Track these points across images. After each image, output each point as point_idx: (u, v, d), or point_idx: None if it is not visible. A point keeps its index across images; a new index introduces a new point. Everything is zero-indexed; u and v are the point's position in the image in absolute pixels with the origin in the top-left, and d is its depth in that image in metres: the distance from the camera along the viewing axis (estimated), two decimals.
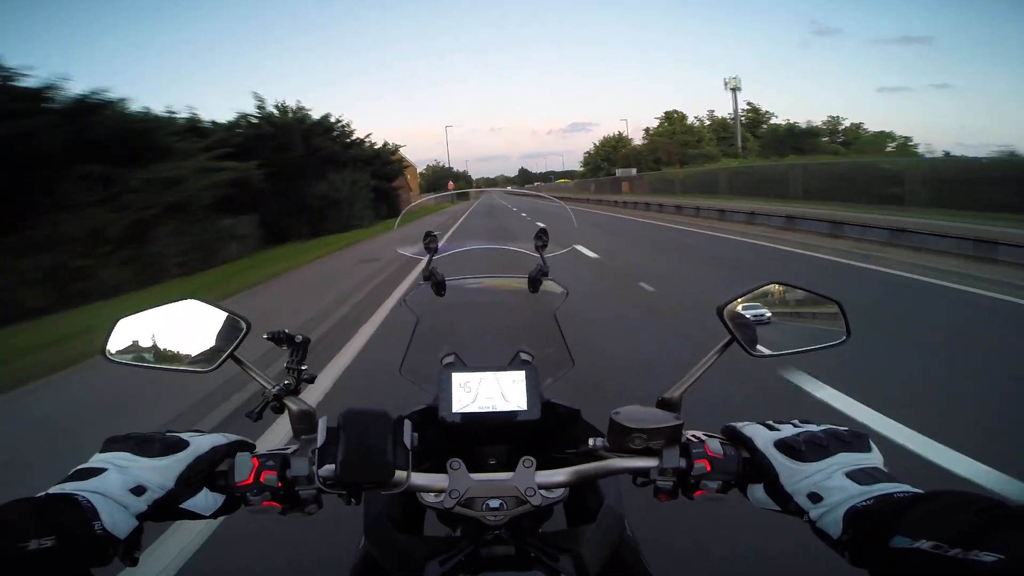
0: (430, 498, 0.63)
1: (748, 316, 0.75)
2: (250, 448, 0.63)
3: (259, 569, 1.87)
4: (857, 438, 0.56)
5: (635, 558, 0.75)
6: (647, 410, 0.63)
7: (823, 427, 0.59)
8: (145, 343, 0.73)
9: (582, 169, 61.67)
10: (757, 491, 0.59)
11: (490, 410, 0.77)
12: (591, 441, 0.66)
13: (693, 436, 0.64)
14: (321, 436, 0.58)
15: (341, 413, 0.56)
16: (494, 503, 0.62)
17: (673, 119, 57.42)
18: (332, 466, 0.56)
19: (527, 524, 0.69)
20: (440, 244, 1.03)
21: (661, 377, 0.79)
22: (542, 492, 0.63)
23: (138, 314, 0.73)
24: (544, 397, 0.81)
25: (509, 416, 0.77)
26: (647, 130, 58.11)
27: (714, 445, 0.62)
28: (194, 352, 0.73)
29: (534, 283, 0.96)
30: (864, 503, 0.48)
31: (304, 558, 1.87)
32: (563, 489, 0.65)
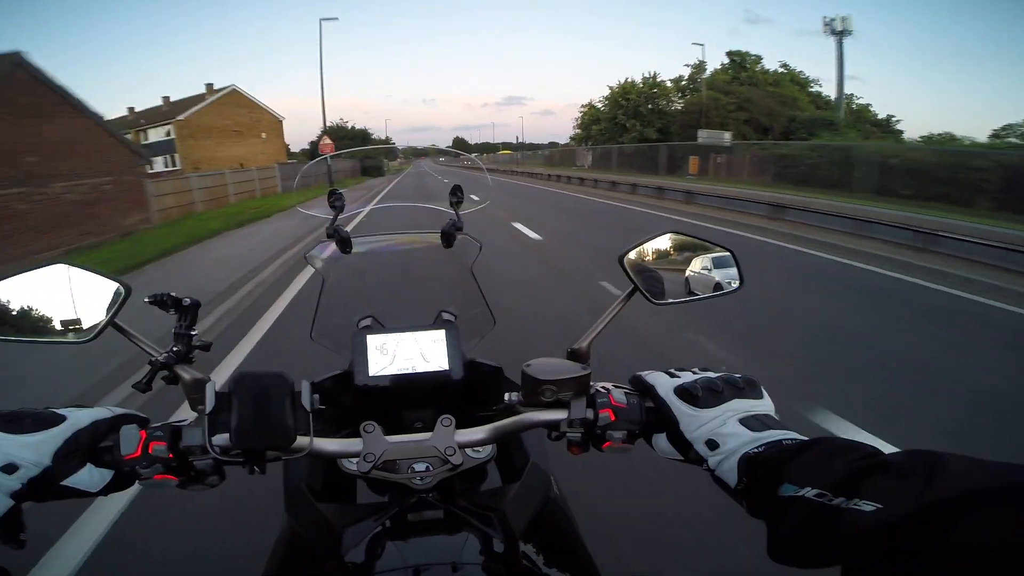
0: (350, 465, 0.61)
1: (649, 265, 0.76)
2: (142, 422, 0.59)
3: (179, 547, 1.80)
4: (750, 384, 0.57)
5: (562, 514, 0.76)
6: (557, 362, 0.64)
7: (719, 374, 0.60)
8: (11, 314, 0.65)
9: (576, 132, 39.66)
10: (661, 440, 0.59)
11: (409, 372, 0.76)
12: (507, 396, 0.66)
13: (601, 387, 0.64)
14: (210, 402, 0.55)
15: (232, 377, 0.53)
16: (420, 466, 0.61)
17: (747, 62, 33.06)
18: (227, 435, 0.53)
19: (459, 487, 0.69)
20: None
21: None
22: (469, 452, 0.63)
23: (1, 282, 0.65)
24: (468, 357, 0.80)
25: (431, 377, 0.76)
26: (681, 80, 34.20)
27: (618, 395, 0.62)
28: (70, 321, 0.66)
29: (447, 238, 0.93)
30: (756, 450, 0.49)
31: (229, 534, 1.80)
32: (490, 448, 0.65)
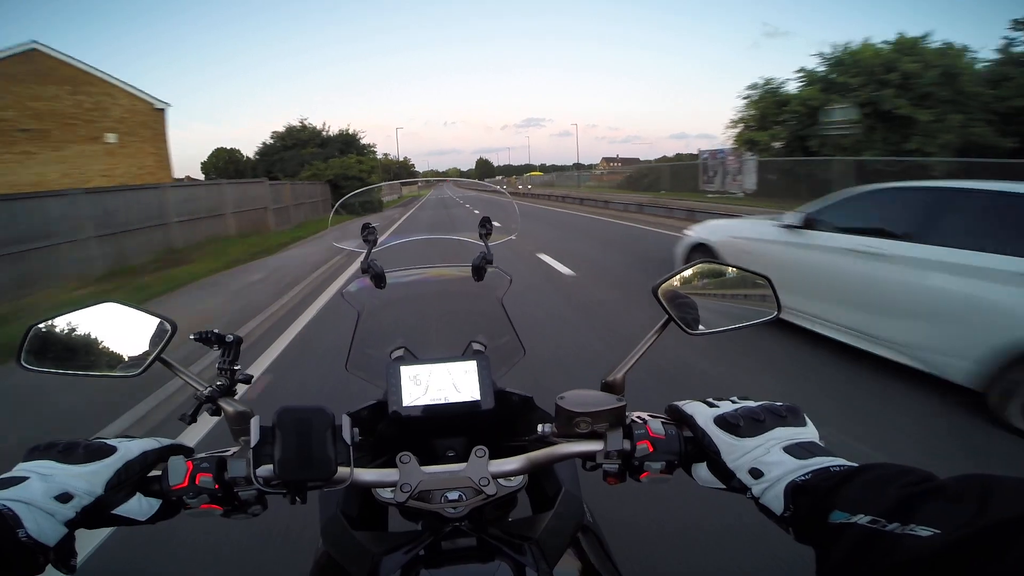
0: (385, 494, 0.62)
1: (683, 295, 0.75)
2: (187, 452, 0.61)
3: (217, 573, 1.81)
4: (792, 412, 0.57)
5: (596, 541, 0.75)
6: (591, 393, 0.64)
7: (760, 403, 0.59)
8: (65, 349, 0.69)
9: (741, 130, 20.09)
10: (701, 470, 0.59)
11: (442, 402, 0.76)
12: (540, 428, 0.66)
13: (638, 417, 0.64)
14: (255, 435, 0.56)
15: (276, 411, 0.55)
16: (452, 495, 0.62)
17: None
18: (271, 466, 0.55)
19: (490, 514, 0.69)
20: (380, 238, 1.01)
21: None
22: (500, 481, 0.63)
23: (54, 319, 0.68)
24: (498, 386, 0.80)
25: (462, 407, 0.76)
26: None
27: (656, 426, 0.62)
28: (119, 356, 0.69)
29: (478, 271, 0.95)
30: (802, 478, 0.48)
31: (265, 561, 1.83)
32: (521, 477, 0.65)
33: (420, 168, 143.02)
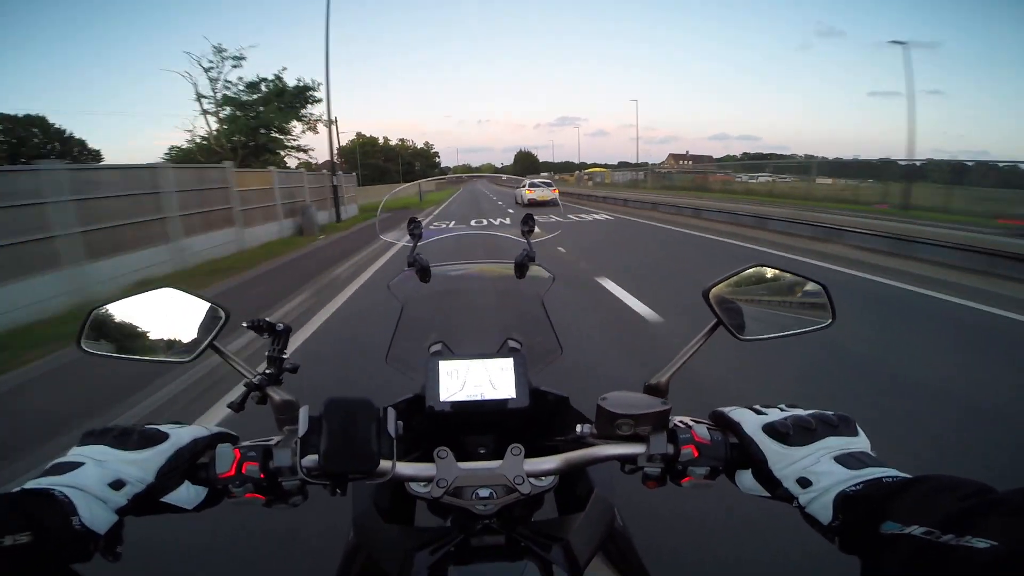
0: (419, 488, 0.62)
1: (734, 300, 0.74)
2: (233, 440, 0.62)
3: (248, 562, 1.85)
4: (844, 422, 0.56)
5: (626, 545, 0.74)
6: (634, 396, 0.63)
7: (810, 411, 0.58)
8: (121, 333, 0.71)
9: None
10: (745, 477, 0.58)
11: (478, 398, 0.76)
12: (579, 428, 0.65)
13: (681, 422, 0.63)
14: (303, 426, 0.56)
15: (324, 402, 0.55)
16: (484, 492, 0.62)
17: None
18: (315, 456, 0.55)
19: (518, 513, 0.69)
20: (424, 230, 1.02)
21: None
22: (532, 480, 0.62)
23: (113, 304, 0.71)
24: (533, 384, 0.80)
25: (498, 404, 0.76)
26: None
27: (701, 431, 0.61)
28: (173, 341, 0.71)
29: (520, 268, 0.95)
30: (854, 488, 0.47)
31: (294, 550, 1.85)
32: (553, 477, 0.64)
33: (448, 163, 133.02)
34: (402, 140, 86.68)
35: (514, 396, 0.76)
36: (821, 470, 0.51)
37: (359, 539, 0.70)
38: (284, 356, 0.72)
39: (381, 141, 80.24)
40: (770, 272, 0.77)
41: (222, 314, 0.71)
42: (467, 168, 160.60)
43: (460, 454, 0.65)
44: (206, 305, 0.71)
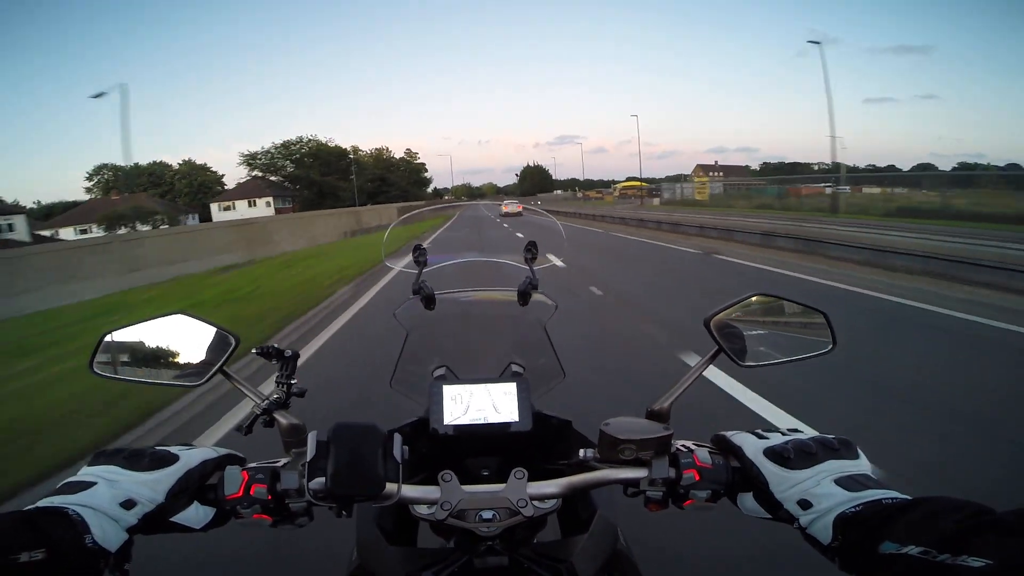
0: (423, 510, 0.63)
1: (735, 327, 0.75)
2: (240, 462, 0.63)
3: None
4: (845, 445, 0.57)
5: (629, 567, 0.74)
6: (637, 421, 0.64)
7: (811, 435, 0.59)
8: (132, 357, 0.73)
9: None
10: (747, 500, 0.60)
11: (481, 422, 0.77)
12: (582, 452, 0.66)
13: (683, 446, 0.64)
14: (311, 450, 0.58)
15: (331, 427, 0.56)
16: (487, 514, 0.62)
17: None
18: (322, 479, 0.56)
19: (521, 535, 0.69)
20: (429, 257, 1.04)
21: None
22: (535, 503, 0.63)
23: (125, 328, 0.72)
24: (535, 408, 0.81)
25: (501, 428, 0.77)
26: None
27: (703, 455, 0.62)
28: (183, 366, 0.73)
29: (524, 296, 0.97)
30: (853, 509, 0.49)
31: (299, 570, 1.85)
32: (556, 500, 0.65)
33: (445, 184, 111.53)
34: (354, 148, 64.46)
35: (517, 420, 0.77)
36: (821, 492, 0.52)
37: (362, 560, 0.71)
38: (292, 381, 0.74)
39: (350, 150, 63.12)
40: (770, 301, 0.78)
41: (232, 340, 0.72)
42: (467, 189, 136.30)
43: (464, 477, 0.66)
44: (214, 330, 0.73)
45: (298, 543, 1.90)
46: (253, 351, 0.73)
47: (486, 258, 1.22)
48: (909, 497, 0.48)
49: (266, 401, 0.70)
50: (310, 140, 57.88)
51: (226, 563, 1.89)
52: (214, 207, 54.21)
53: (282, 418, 0.68)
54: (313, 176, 59.51)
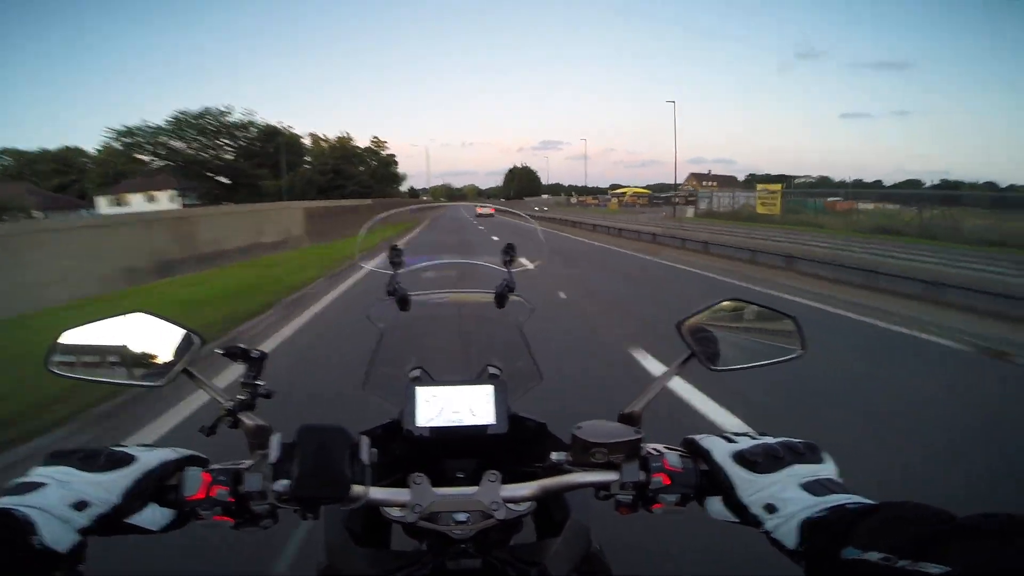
0: (394, 512, 0.63)
1: (707, 331, 0.76)
2: (203, 463, 0.62)
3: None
4: (810, 449, 0.57)
5: (602, 569, 0.75)
6: (609, 424, 0.64)
7: (779, 439, 0.60)
8: (91, 356, 0.70)
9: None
10: (715, 503, 0.60)
11: (456, 424, 0.76)
12: (554, 455, 0.66)
13: (654, 449, 0.64)
14: (275, 451, 0.57)
15: (297, 429, 0.56)
16: (460, 517, 0.62)
17: None
18: (287, 481, 0.56)
19: (495, 537, 0.69)
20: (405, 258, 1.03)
21: None
22: (510, 506, 0.63)
23: (83, 327, 0.70)
24: (512, 411, 0.80)
25: (476, 430, 0.77)
26: None
27: (673, 459, 0.63)
28: (145, 365, 0.71)
29: (500, 299, 0.96)
30: (818, 514, 0.49)
31: (269, 573, 1.82)
32: (530, 502, 0.65)
33: (420, 183, 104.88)
34: (314, 137, 51.97)
35: (493, 422, 0.77)
36: (787, 496, 0.52)
37: (331, 562, 0.70)
38: (259, 383, 0.72)
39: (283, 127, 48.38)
40: (742, 306, 0.79)
41: (195, 339, 0.71)
42: (446, 190, 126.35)
43: (439, 479, 0.65)
44: (178, 330, 0.72)
45: (269, 544, 1.87)
46: (217, 350, 0.72)
47: (463, 260, 1.21)
48: (873, 502, 0.48)
49: (230, 402, 0.69)
50: (223, 112, 42.47)
51: (193, 564, 1.85)
52: (102, 200, 43.08)
53: (247, 420, 0.67)
54: (219, 160, 43.62)
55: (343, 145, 53.20)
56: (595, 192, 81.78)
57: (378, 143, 57.06)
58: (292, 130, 51.93)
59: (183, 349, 0.70)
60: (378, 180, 53.53)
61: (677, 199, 43.27)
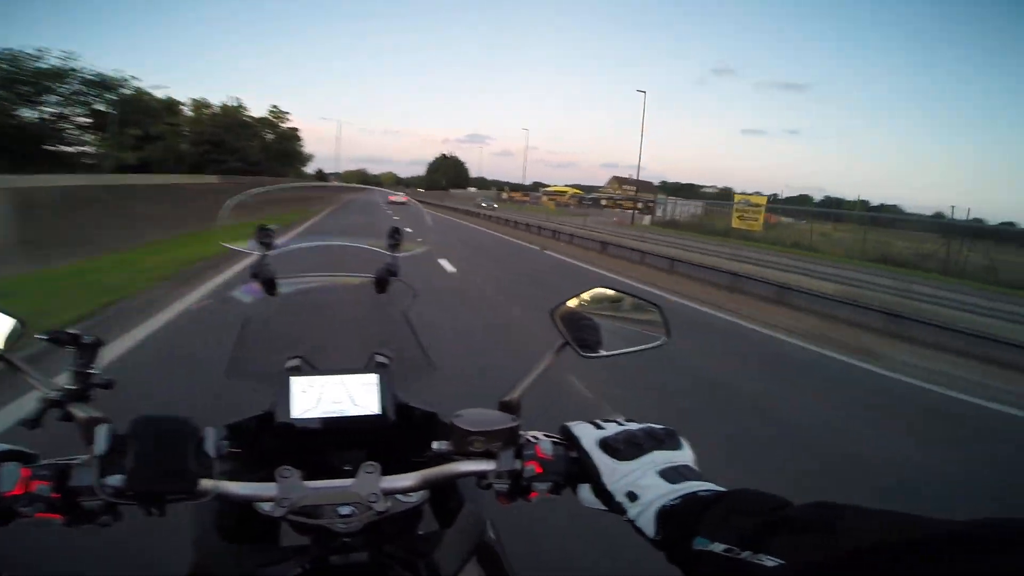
0: (265, 507, 0.61)
1: (579, 318, 0.77)
2: (27, 458, 0.57)
3: None
4: (669, 436, 0.59)
5: (495, 560, 0.74)
6: (487, 412, 0.65)
7: (641, 425, 0.61)
8: None
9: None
10: (585, 491, 0.60)
11: (335, 415, 0.74)
12: (435, 445, 0.66)
13: (532, 437, 0.64)
14: (101, 444, 0.54)
15: (132, 420, 0.53)
16: (344, 510, 0.60)
17: None
18: (122, 476, 0.52)
19: (391, 530, 0.68)
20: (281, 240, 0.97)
21: None
22: (399, 497, 0.63)
23: None
24: (401, 400, 0.79)
25: (359, 421, 0.74)
26: None
27: (546, 446, 0.63)
28: None
29: (381, 283, 0.93)
30: (672, 502, 0.50)
31: (140, 570, 1.70)
32: (421, 493, 0.65)
33: (330, 166, 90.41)
34: (177, 105, 40.37)
35: (378, 412, 0.75)
36: (646, 484, 0.53)
37: (199, 559, 0.67)
38: (92, 371, 0.66)
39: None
40: (611, 293, 0.81)
41: (14, 323, 0.64)
42: (361, 175, 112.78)
43: (324, 472, 0.63)
44: None
45: (138, 541, 1.74)
46: (39, 336, 0.65)
47: (343, 242, 1.14)
48: (721, 489, 0.49)
49: (57, 392, 0.62)
50: (32, 56, 28.53)
51: (61, 559, 1.68)
52: None
53: (79, 411, 0.61)
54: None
55: (228, 114, 43.59)
56: (526, 189, 79.02)
57: (277, 114, 47.94)
58: (169, 94, 42.45)
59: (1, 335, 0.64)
60: (273, 156, 45.50)
61: (639, 204, 39.55)
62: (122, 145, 32.65)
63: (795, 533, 0.39)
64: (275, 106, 49.08)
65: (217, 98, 50.88)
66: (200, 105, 42.81)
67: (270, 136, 46.99)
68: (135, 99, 34.72)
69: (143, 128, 34.70)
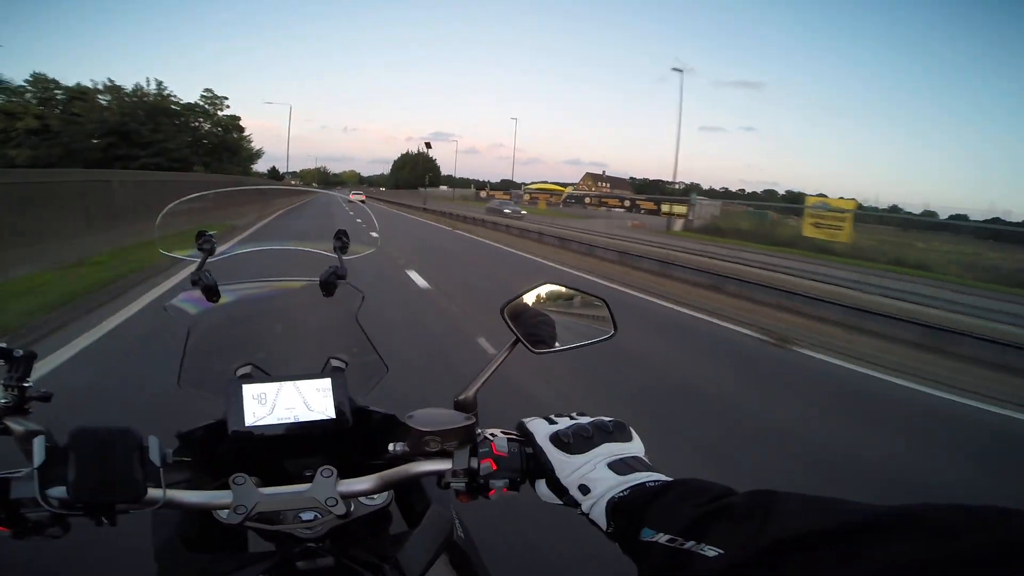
0: (224, 515, 0.61)
1: (530, 315, 0.77)
2: None
3: None
4: (619, 428, 0.59)
5: (464, 559, 0.74)
6: (442, 412, 0.64)
7: (591, 419, 0.62)
8: None
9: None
10: (542, 486, 0.60)
11: (290, 421, 0.73)
12: (391, 446, 0.66)
13: (489, 435, 0.65)
14: (38, 456, 0.54)
15: (70, 431, 0.52)
16: (307, 516, 0.61)
17: None
18: (64, 487, 0.52)
19: (359, 533, 0.68)
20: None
21: None
22: (362, 500, 0.63)
23: None
24: (359, 403, 0.78)
25: (314, 426, 0.73)
26: None
27: (501, 443, 0.63)
28: None
29: (327, 287, 0.90)
30: (621, 494, 0.50)
31: None
32: (385, 495, 0.65)
33: (284, 164, 74.67)
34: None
35: (333, 416, 0.74)
36: (596, 476, 0.54)
37: (160, 567, 0.67)
38: (26, 384, 0.64)
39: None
40: (557, 290, 0.82)
41: None
42: (320, 174, 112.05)
43: (282, 479, 0.63)
44: None
45: (100, 551, 1.66)
46: None
47: (287, 247, 1.11)
48: (668, 479, 0.50)
49: None
50: None
51: (28, 568, 1.64)
52: None
53: (15, 425, 0.60)
54: None
55: (143, 100, 34.10)
56: (507, 188, 72.27)
57: (213, 100, 38.23)
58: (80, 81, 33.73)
59: None
60: (208, 152, 37.22)
61: (670, 204, 32.30)
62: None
63: (734, 521, 0.40)
64: (209, 90, 39.67)
65: (133, 81, 41.41)
66: (108, 89, 33.88)
67: (205, 126, 38.86)
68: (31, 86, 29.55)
69: (42, 120, 29.70)
